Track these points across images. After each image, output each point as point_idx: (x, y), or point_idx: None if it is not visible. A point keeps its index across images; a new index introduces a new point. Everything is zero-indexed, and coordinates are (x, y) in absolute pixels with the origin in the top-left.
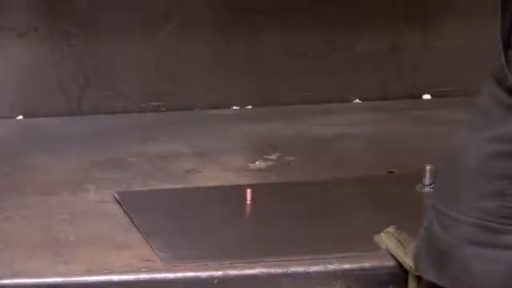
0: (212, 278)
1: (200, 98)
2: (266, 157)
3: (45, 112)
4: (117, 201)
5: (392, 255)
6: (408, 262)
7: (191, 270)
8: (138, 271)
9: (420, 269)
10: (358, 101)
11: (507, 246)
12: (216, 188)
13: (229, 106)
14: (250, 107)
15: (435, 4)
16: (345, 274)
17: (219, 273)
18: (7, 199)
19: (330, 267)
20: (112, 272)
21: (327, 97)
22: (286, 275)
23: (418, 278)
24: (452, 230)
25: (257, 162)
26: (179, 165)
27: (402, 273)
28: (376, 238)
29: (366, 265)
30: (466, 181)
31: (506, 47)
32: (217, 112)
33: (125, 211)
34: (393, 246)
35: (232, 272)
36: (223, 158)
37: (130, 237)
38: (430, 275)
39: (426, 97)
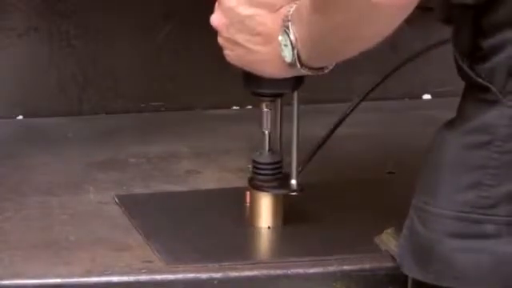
0: (212, 279)
1: (200, 98)
2: None
3: (45, 112)
4: (117, 202)
5: (392, 256)
6: None
7: (191, 271)
8: (138, 272)
9: (404, 268)
10: None
11: (488, 235)
12: (216, 189)
13: (229, 106)
14: (250, 107)
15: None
16: (344, 275)
17: (219, 274)
18: (7, 199)
19: (330, 268)
20: (112, 273)
21: (327, 97)
22: (285, 276)
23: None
24: (432, 225)
25: None
26: (179, 165)
27: (401, 274)
28: (376, 239)
29: (366, 266)
30: (444, 174)
31: (464, 54)
32: (217, 112)
33: (125, 212)
34: (393, 247)
35: (232, 273)
36: (223, 158)
37: (129, 238)
38: (414, 273)
39: (426, 97)
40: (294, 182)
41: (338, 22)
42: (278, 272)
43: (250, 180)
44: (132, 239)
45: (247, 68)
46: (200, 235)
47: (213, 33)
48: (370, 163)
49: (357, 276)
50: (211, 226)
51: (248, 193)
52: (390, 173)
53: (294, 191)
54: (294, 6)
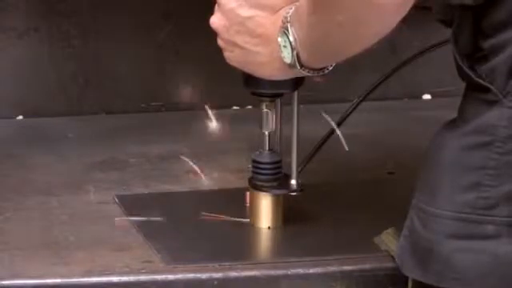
0: (212, 280)
1: (200, 98)
2: None
3: (45, 112)
4: (117, 202)
5: (392, 257)
6: None
7: (191, 272)
8: (138, 272)
9: (404, 268)
10: None
11: (488, 236)
12: (216, 189)
13: (229, 106)
14: (250, 107)
15: None
16: (345, 275)
17: (219, 274)
18: (7, 200)
19: (330, 269)
20: (112, 273)
21: (327, 97)
22: (285, 277)
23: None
24: (432, 226)
25: None
26: (179, 166)
27: (402, 274)
28: (376, 239)
29: (366, 266)
30: (443, 175)
31: (464, 54)
32: (217, 112)
33: (124, 212)
34: (393, 247)
35: (232, 273)
36: (223, 158)
37: (129, 238)
38: (415, 274)
39: (426, 97)
40: (293, 182)
41: (337, 22)
42: (278, 272)
43: (250, 180)
44: (132, 239)
45: (247, 69)
46: (200, 235)
47: (212, 33)
48: (370, 163)
49: (357, 276)
50: (211, 226)
51: (248, 193)
52: (390, 173)
53: (294, 191)
54: (294, 8)
